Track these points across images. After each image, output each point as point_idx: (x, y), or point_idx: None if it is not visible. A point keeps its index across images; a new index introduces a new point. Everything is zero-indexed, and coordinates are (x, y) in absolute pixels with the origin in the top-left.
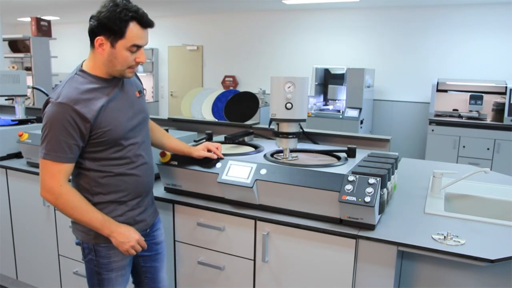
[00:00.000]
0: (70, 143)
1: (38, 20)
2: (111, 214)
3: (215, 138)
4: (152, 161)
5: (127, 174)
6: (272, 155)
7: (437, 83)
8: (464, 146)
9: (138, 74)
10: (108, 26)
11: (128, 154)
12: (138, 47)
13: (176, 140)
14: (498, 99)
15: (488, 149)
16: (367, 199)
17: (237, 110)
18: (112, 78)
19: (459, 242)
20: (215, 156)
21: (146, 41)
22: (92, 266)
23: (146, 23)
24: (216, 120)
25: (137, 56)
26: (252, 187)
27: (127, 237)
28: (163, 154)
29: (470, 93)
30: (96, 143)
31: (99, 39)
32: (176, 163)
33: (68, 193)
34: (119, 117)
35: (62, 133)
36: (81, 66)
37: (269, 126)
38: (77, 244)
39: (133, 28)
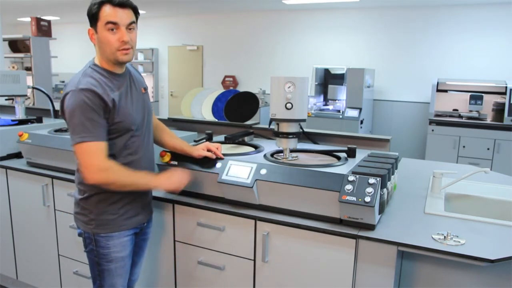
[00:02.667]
0: (100, 123)
1: (38, 20)
2: (112, 206)
3: (215, 138)
4: (152, 156)
5: (129, 164)
6: (272, 155)
7: (437, 83)
8: (464, 146)
9: None
10: (89, 16)
11: (132, 145)
12: (114, 24)
13: (178, 139)
14: (498, 99)
15: (488, 149)
16: (367, 199)
17: (237, 110)
18: (121, 73)
19: (459, 242)
20: (214, 156)
21: (122, 20)
22: (93, 256)
23: (117, 2)
24: (216, 120)
25: (119, 36)
26: (252, 187)
27: (168, 177)
28: (163, 154)
29: (470, 93)
30: (108, 130)
31: (89, 30)
32: (176, 163)
33: (113, 166)
34: (129, 109)
35: (92, 114)
36: (93, 61)
37: (269, 126)
38: (79, 235)
39: (105, 9)
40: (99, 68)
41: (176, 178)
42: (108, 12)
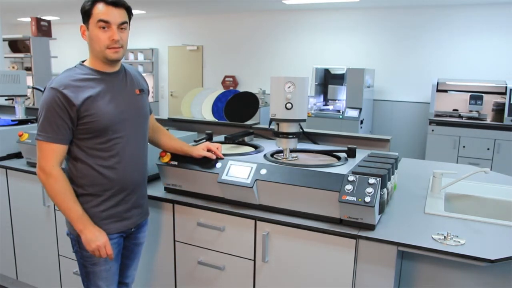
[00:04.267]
0: (60, 124)
1: (38, 20)
2: (95, 209)
3: (215, 138)
4: (142, 159)
5: (111, 167)
6: (272, 155)
7: (437, 83)
8: (464, 146)
9: None
10: (82, 12)
11: (114, 148)
12: (105, 22)
13: (177, 140)
14: (498, 99)
15: (488, 149)
16: (367, 199)
17: (237, 110)
18: (111, 72)
19: (459, 242)
20: (214, 157)
21: (114, 19)
22: (79, 258)
23: (110, 1)
24: (216, 120)
25: (110, 34)
26: (252, 187)
27: (96, 236)
28: (163, 155)
29: (470, 93)
30: (83, 130)
31: (81, 26)
32: (176, 163)
33: (58, 176)
34: (107, 108)
35: (53, 114)
36: (82, 60)
37: (269, 126)
38: (67, 235)
39: (98, 6)
40: (85, 67)
41: (99, 244)
42: (100, 10)
